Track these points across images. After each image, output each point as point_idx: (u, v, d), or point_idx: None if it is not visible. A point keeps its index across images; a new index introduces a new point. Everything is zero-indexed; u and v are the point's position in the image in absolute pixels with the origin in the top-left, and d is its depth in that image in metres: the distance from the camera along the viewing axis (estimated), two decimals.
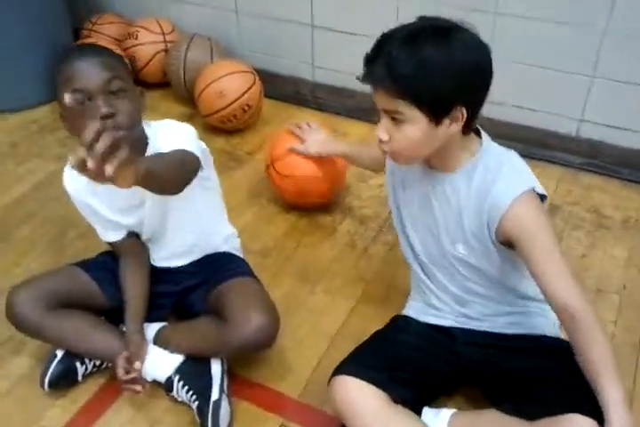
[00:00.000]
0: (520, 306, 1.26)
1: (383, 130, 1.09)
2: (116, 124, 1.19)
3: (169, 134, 1.28)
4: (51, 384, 1.41)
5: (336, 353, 1.42)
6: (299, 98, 2.48)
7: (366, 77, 1.07)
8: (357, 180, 2.08)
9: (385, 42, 1.05)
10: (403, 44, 1.02)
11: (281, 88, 2.50)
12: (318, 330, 1.58)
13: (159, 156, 1.16)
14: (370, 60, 1.06)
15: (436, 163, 1.18)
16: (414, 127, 1.06)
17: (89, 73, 1.18)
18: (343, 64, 2.33)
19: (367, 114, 2.36)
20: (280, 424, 1.37)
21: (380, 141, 1.11)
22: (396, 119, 1.07)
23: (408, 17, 2.07)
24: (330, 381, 1.20)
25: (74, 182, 1.37)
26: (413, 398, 1.19)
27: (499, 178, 1.10)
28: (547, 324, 1.26)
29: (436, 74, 1.01)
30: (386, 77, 1.03)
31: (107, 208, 1.39)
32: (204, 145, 1.36)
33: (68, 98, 1.12)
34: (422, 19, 1.09)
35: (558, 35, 1.91)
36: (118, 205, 1.38)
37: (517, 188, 1.09)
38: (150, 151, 1.28)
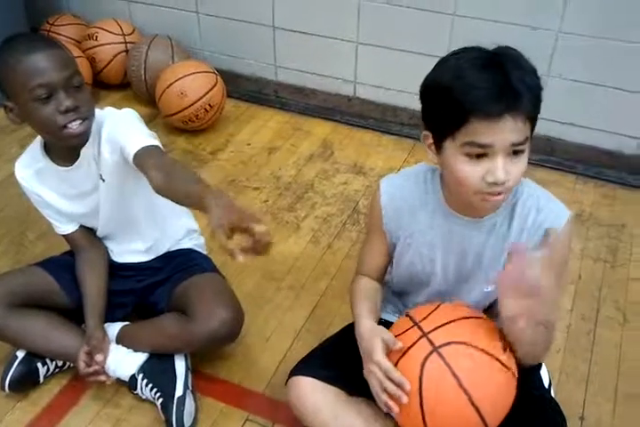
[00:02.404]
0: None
1: (504, 170, 0.96)
2: (81, 116, 1.21)
3: (119, 123, 1.28)
4: (11, 386, 1.39)
5: (301, 348, 1.43)
6: (261, 98, 2.49)
7: (500, 109, 0.93)
8: (321, 177, 2.09)
9: (501, 68, 0.94)
10: (518, 68, 0.95)
11: (244, 88, 2.50)
12: (284, 325, 1.59)
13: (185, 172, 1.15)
14: (500, 89, 0.93)
15: (465, 201, 1.07)
16: (526, 156, 1.00)
17: (51, 68, 1.17)
18: (305, 64, 2.36)
19: (329, 113, 2.39)
20: (245, 419, 1.37)
21: (495, 184, 0.98)
22: (517, 152, 0.97)
23: (369, 18, 2.13)
24: (286, 383, 1.22)
25: (23, 170, 1.37)
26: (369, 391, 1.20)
27: (543, 210, 1.09)
28: None
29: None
30: (529, 104, 0.95)
31: (57, 196, 1.38)
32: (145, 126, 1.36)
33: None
34: (476, 48, 1.01)
35: (513, 37, 1.96)
36: (68, 192, 1.38)
37: (564, 212, 1.09)
38: (92, 136, 1.28)
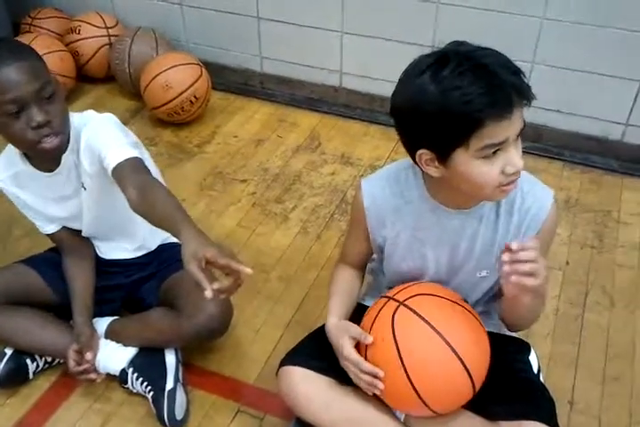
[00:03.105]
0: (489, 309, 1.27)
1: (519, 158, 0.98)
2: (53, 131, 1.18)
3: (98, 131, 1.24)
4: (1, 383, 1.39)
5: (291, 339, 1.43)
6: (247, 89, 2.48)
7: (509, 103, 0.93)
8: (308, 168, 2.09)
9: (488, 68, 0.93)
10: (496, 60, 0.95)
11: (229, 80, 2.49)
12: (273, 317, 1.59)
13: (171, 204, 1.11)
14: (499, 87, 0.93)
15: (463, 196, 1.08)
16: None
17: (19, 82, 1.13)
18: (291, 54, 2.34)
19: (316, 104, 2.38)
20: (237, 410, 1.38)
21: (515, 173, 0.98)
22: (518, 136, 0.98)
23: (353, 7, 2.12)
24: (277, 373, 1.23)
25: (2, 172, 1.35)
26: None
27: (527, 194, 1.10)
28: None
29: None
30: (528, 88, 0.96)
31: (36, 198, 1.37)
32: (128, 130, 1.33)
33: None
34: (456, 43, 1.00)
35: (498, 24, 1.96)
36: (48, 195, 1.36)
37: (547, 195, 1.11)
38: (72, 143, 1.26)
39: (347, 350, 1.12)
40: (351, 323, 1.16)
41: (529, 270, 0.94)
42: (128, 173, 1.15)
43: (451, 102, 0.93)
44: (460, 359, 1.04)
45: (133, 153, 1.19)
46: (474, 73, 0.93)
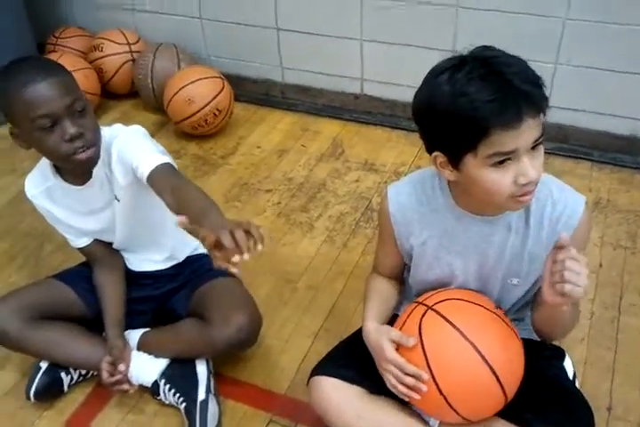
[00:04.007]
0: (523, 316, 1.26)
1: (533, 169, 0.95)
2: (86, 143, 1.21)
3: (129, 144, 1.26)
4: (37, 396, 1.40)
5: (321, 348, 1.43)
6: (269, 100, 2.49)
7: (517, 112, 0.91)
8: (332, 176, 2.09)
9: (502, 76, 0.92)
10: (513, 67, 0.93)
11: (251, 91, 2.51)
12: (302, 326, 1.58)
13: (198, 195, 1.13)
14: (509, 95, 0.91)
15: (483, 204, 1.06)
16: (542, 145, 0.98)
17: (52, 97, 1.16)
18: (311, 64, 2.35)
19: (337, 112, 2.39)
20: (269, 420, 1.37)
21: (528, 184, 0.96)
22: (535, 147, 0.96)
23: (371, 14, 2.12)
24: (307, 383, 1.22)
25: (33, 189, 1.38)
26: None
27: (558, 202, 1.07)
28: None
29: None
30: (542, 98, 0.94)
31: (67, 212, 1.39)
32: (155, 141, 1.35)
33: None
34: (483, 48, 0.99)
35: (522, 25, 1.95)
36: (80, 209, 1.38)
37: (578, 202, 1.08)
38: (103, 156, 1.28)
39: (389, 352, 1.09)
40: (390, 327, 1.14)
41: (575, 280, 0.92)
42: (162, 179, 1.18)
43: (459, 106, 0.92)
44: (489, 365, 1.03)
45: (165, 159, 1.22)
46: (486, 79, 0.92)
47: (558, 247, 0.95)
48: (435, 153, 1.01)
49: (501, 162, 0.95)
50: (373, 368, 1.14)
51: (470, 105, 0.91)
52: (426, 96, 0.99)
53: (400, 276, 1.31)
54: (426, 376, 1.04)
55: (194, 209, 1.08)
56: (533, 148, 0.96)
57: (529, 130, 0.93)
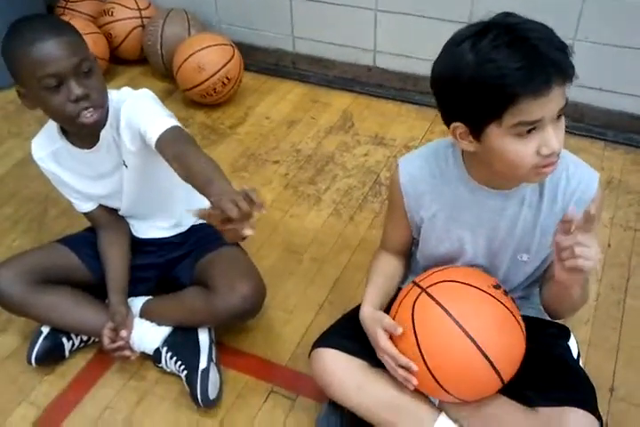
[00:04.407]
0: (533, 293, 1.24)
1: (557, 139, 0.93)
2: (91, 104, 1.19)
3: (137, 107, 1.25)
4: (38, 360, 1.40)
5: (324, 320, 1.42)
6: (279, 70, 2.45)
7: (546, 80, 0.88)
8: (341, 150, 2.06)
9: (529, 41, 0.89)
10: (539, 34, 0.91)
11: (261, 60, 2.46)
12: (306, 298, 1.58)
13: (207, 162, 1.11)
14: (538, 62, 0.88)
15: (501, 176, 1.05)
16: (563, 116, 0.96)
17: (59, 57, 1.14)
18: (323, 34, 2.31)
19: (349, 84, 2.34)
20: (270, 391, 1.37)
21: (552, 156, 0.95)
22: (558, 117, 0.94)
23: None
24: (309, 355, 1.22)
25: (39, 151, 1.36)
26: None
27: (573, 176, 1.06)
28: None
29: None
30: (569, 66, 0.91)
31: (74, 176, 1.38)
32: (163, 105, 1.33)
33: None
34: (504, 14, 0.96)
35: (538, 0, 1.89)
36: (87, 173, 1.37)
37: (593, 178, 1.07)
38: (111, 119, 1.26)
39: (383, 342, 1.10)
40: (384, 314, 1.14)
41: (587, 254, 0.90)
42: (170, 144, 1.16)
43: (486, 74, 0.89)
44: (481, 350, 1.02)
45: (173, 122, 1.19)
46: (512, 46, 0.89)
47: (566, 221, 0.93)
48: (455, 124, 0.99)
49: (527, 131, 0.92)
50: None
51: (498, 72, 0.88)
52: (448, 65, 0.96)
53: (407, 252, 1.29)
54: (415, 368, 1.05)
55: (199, 177, 1.06)
56: (558, 116, 0.94)
57: (556, 98, 0.90)
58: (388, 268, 1.27)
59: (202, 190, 1.04)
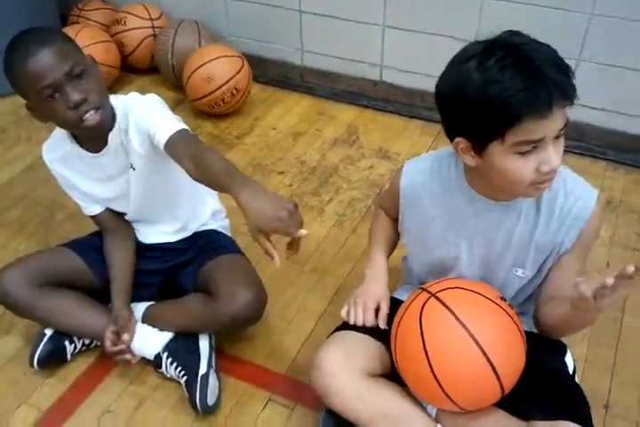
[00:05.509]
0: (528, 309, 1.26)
1: (557, 157, 0.96)
2: (91, 106, 1.21)
3: (145, 111, 1.27)
4: (40, 363, 1.42)
5: (324, 330, 1.43)
6: (287, 82, 2.49)
7: (549, 101, 0.90)
8: (346, 162, 2.09)
9: (533, 63, 0.91)
10: (544, 55, 0.93)
11: (270, 72, 2.50)
12: (306, 308, 1.59)
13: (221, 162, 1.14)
14: (541, 84, 0.91)
15: (499, 190, 1.07)
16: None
17: (50, 67, 1.16)
18: (332, 48, 2.34)
19: (355, 97, 2.38)
20: (268, 399, 1.39)
21: (550, 173, 0.97)
22: (558, 136, 0.96)
23: (395, 3, 2.10)
24: (328, 337, 1.23)
25: (50, 154, 1.39)
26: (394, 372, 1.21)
27: (570, 193, 1.08)
28: None
29: None
30: (571, 87, 0.93)
31: (82, 178, 1.40)
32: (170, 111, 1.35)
33: None
34: (510, 33, 0.98)
35: (547, 19, 1.92)
36: (95, 176, 1.39)
37: (591, 195, 1.08)
38: (119, 123, 1.29)
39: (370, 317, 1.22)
40: (386, 291, 1.25)
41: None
42: (180, 145, 1.18)
43: (491, 94, 0.92)
44: (487, 356, 1.03)
45: (182, 126, 1.22)
46: (517, 67, 0.91)
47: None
48: (457, 139, 1.01)
49: (528, 149, 0.95)
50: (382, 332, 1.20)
51: (503, 93, 0.91)
52: (453, 82, 0.98)
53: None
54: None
55: (216, 171, 1.09)
56: (557, 136, 0.96)
57: (558, 118, 0.93)
58: (389, 230, 1.35)
59: (226, 189, 1.07)
